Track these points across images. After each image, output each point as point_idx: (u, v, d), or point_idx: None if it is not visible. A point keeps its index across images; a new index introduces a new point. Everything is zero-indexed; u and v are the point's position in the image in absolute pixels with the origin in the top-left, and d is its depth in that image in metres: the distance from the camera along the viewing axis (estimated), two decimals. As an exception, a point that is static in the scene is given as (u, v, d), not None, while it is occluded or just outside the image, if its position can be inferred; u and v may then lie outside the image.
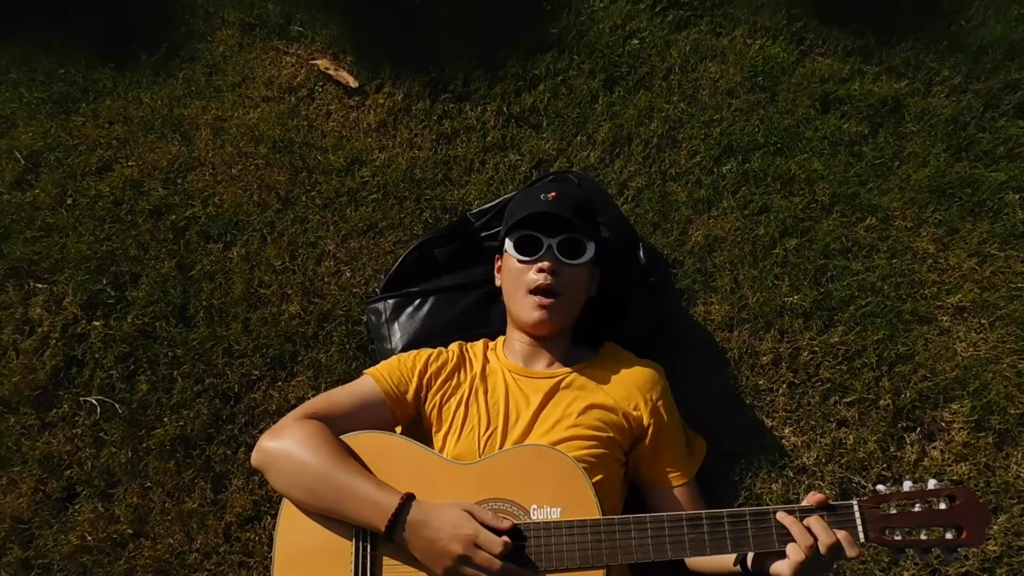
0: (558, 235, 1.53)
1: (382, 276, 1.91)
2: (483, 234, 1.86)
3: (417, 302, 1.79)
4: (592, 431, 1.45)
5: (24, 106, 2.15)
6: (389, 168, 2.06)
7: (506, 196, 1.91)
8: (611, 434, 1.46)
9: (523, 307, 1.53)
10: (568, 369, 1.55)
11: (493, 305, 1.77)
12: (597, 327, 1.68)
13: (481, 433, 1.44)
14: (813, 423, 1.79)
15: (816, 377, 1.82)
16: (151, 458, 1.77)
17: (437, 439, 1.48)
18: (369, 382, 1.51)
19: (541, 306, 1.51)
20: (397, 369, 1.53)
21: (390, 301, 1.81)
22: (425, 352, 1.58)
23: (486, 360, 1.59)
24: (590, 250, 1.56)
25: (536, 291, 1.51)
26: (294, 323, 1.89)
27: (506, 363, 1.57)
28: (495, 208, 1.88)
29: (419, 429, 1.52)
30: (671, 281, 1.92)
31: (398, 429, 1.53)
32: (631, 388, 1.52)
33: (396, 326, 1.78)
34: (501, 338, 1.66)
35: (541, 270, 1.51)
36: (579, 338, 1.64)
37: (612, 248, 1.71)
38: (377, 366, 1.56)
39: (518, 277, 1.54)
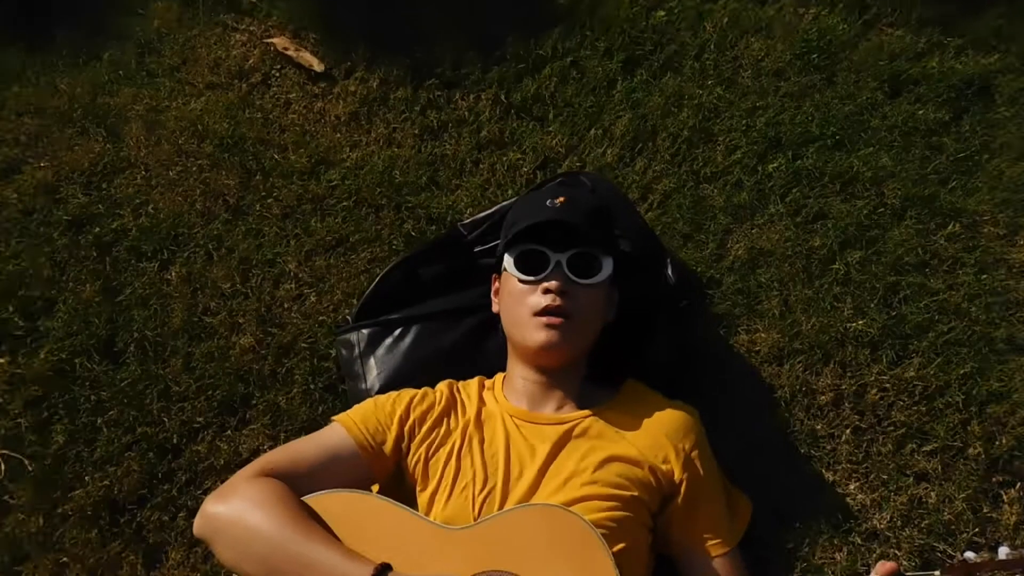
0: (568, 249, 1.56)
1: (355, 301, 1.94)
2: (477, 249, 1.90)
3: (398, 332, 1.82)
4: (612, 489, 1.46)
5: (-88, 94, 2.20)
6: (362, 170, 2.10)
7: (505, 203, 1.94)
8: (635, 493, 1.47)
9: (527, 331, 1.54)
10: (582, 413, 1.57)
11: (490, 335, 1.79)
12: (616, 361, 1.70)
13: (476, 491, 1.46)
14: (885, 477, 1.80)
15: (888, 420, 1.84)
16: (68, 527, 1.79)
17: (423, 499, 1.49)
18: (339, 431, 1.53)
19: (550, 325, 1.52)
20: (373, 415, 1.55)
21: (365, 331, 1.83)
22: (408, 393, 1.60)
23: (482, 402, 1.61)
24: (607, 267, 1.59)
25: (542, 314, 1.53)
26: (247, 359, 1.92)
27: (506, 406, 1.59)
28: (492, 218, 1.91)
29: (401, 487, 1.54)
30: (706, 304, 1.95)
31: (375, 488, 1.55)
32: (659, 436, 1.54)
33: (372, 361, 1.80)
34: (500, 375, 1.68)
35: (548, 291, 1.53)
36: (595, 374, 1.66)
37: (633, 265, 1.74)
38: (348, 411, 1.58)
39: (520, 300, 1.57)
